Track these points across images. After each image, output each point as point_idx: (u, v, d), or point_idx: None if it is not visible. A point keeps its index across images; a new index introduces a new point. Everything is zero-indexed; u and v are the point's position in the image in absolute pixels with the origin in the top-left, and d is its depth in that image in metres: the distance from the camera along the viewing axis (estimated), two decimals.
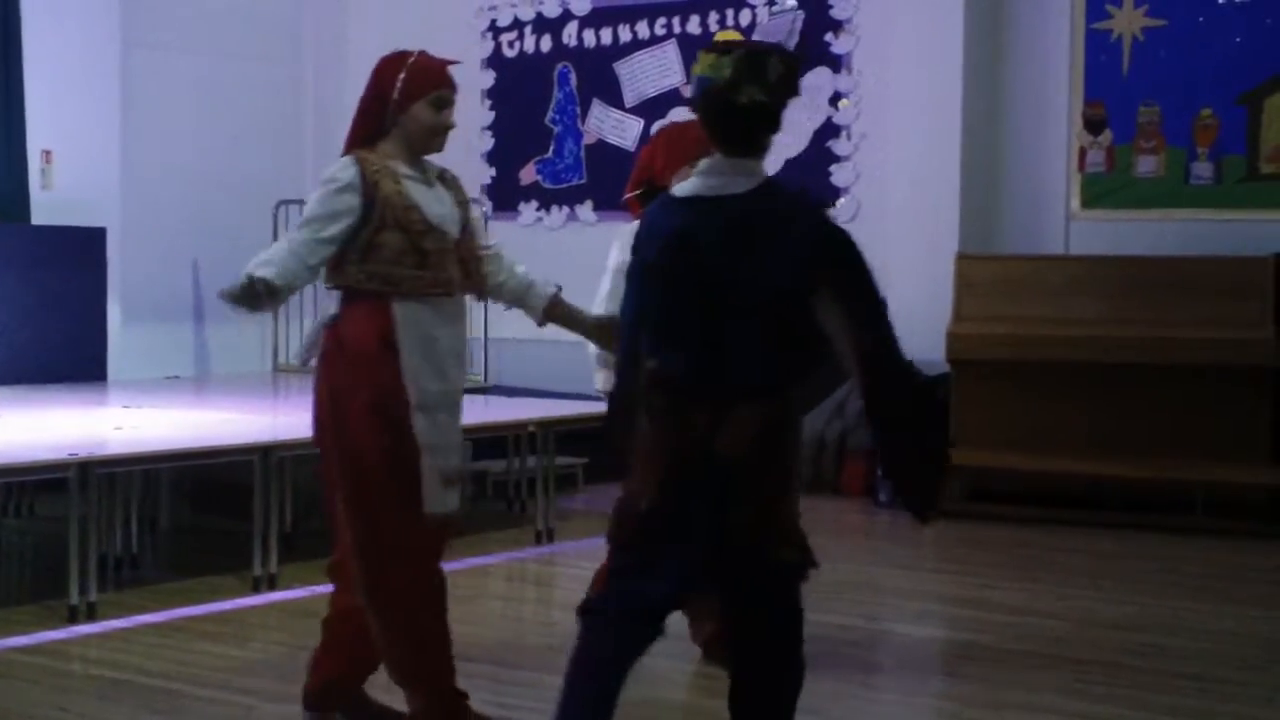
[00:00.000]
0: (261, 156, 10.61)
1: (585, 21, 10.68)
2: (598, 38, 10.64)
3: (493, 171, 11.02)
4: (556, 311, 4.40)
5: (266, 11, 10.98)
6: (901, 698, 5.05)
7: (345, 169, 4.06)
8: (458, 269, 4.17)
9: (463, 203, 4.27)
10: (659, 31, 10.38)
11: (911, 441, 3.44)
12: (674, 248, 3.48)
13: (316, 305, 7.74)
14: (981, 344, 8.52)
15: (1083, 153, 9.25)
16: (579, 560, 6.98)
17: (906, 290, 9.27)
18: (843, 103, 9.81)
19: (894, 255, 9.36)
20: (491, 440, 8.39)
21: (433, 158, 4.25)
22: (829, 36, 9.82)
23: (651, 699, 4.62)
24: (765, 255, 3.39)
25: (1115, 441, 8.26)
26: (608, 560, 3.68)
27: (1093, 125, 9.22)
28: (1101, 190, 9.21)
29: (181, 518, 7.99)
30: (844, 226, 3.52)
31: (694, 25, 10.25)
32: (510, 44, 10.98)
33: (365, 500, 4.04)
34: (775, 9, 10.00)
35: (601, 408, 4.01)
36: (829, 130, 9.83)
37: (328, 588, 4.39)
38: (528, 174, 10.92)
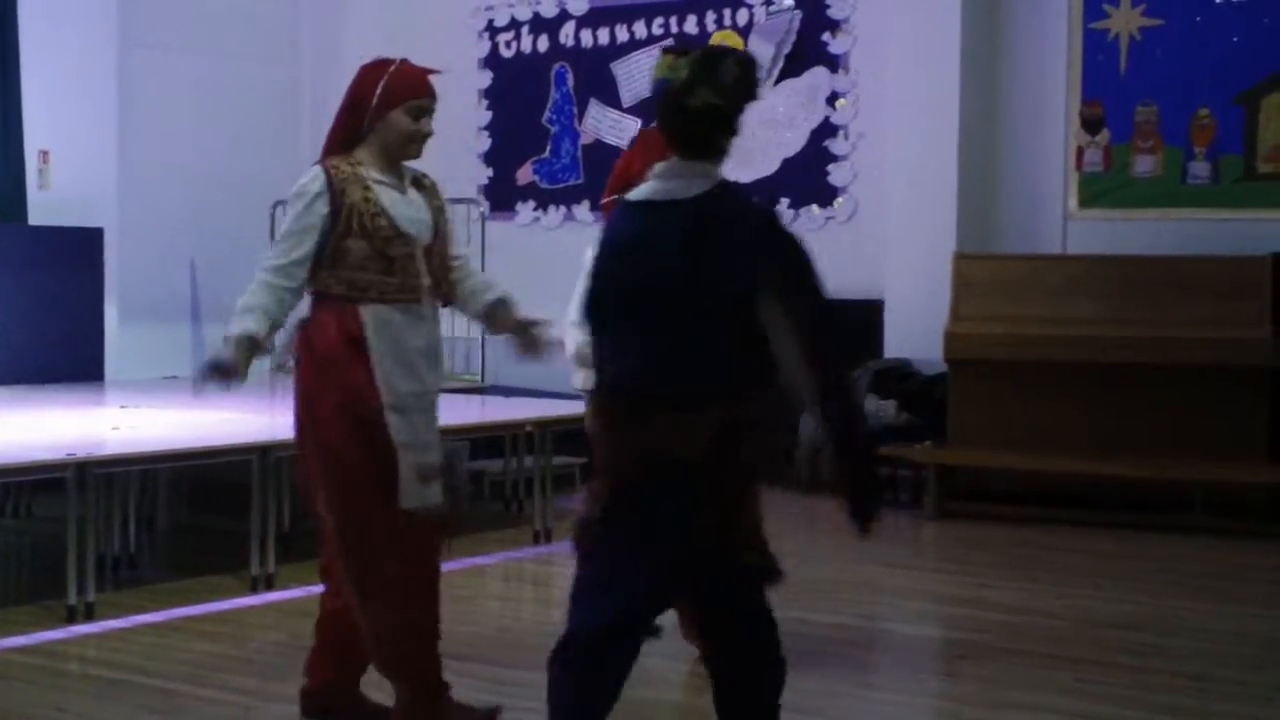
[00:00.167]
0: (259, 157, 10.60)
1: (582, 21, 10.68)
2: (595, 38, 10.63)
3: (490, 171, 11.03)
4: (510, 323, 4.45)
5: (264, 12, 10.99)
6: (900, 697, 5.04)
7: (314, 180, 4.12)
8: (428, 275, 4.19)
9: (439, 208, 4.30)
10: (656, 31, 10.38)
11: (842, 449, 3.33)
12: (628, 253, 3.47)
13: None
14: (979, 344, 8.52)
15: (1080, 152, 9.24)
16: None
17: (904, 290, 9.31)
18: (840, 102, 9.81)
19: (892, 255, 9.39)
20: (489, 440, 8.39)
21: (423, 161, 4.28)
22: (826, 36, 9.83)
23: (647, 699, 4.62)
24: (717, 258, 3.37)
25: (1114, 441, 8.26)
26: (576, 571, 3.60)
27: (1090, 125, 9.21)
28: (1099, 190, 9.20)
29: (179, 518, 7.98)
30: (791, 229, 3.45)
31: (691, 25, 10.24)
32: (507, 44, 10.98)
33: (345, 498, 4.08)
34: (772, 9, 9.99)
35: None
36: (826, 130, 9.84)
37: (322, 588, 4.41)
38: (525, 174, 10.92)
